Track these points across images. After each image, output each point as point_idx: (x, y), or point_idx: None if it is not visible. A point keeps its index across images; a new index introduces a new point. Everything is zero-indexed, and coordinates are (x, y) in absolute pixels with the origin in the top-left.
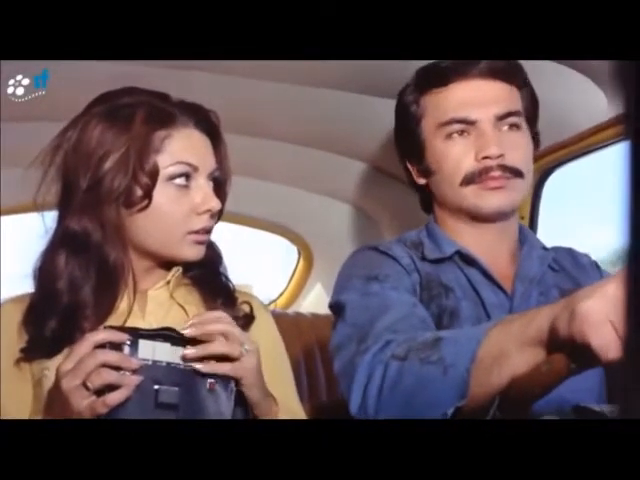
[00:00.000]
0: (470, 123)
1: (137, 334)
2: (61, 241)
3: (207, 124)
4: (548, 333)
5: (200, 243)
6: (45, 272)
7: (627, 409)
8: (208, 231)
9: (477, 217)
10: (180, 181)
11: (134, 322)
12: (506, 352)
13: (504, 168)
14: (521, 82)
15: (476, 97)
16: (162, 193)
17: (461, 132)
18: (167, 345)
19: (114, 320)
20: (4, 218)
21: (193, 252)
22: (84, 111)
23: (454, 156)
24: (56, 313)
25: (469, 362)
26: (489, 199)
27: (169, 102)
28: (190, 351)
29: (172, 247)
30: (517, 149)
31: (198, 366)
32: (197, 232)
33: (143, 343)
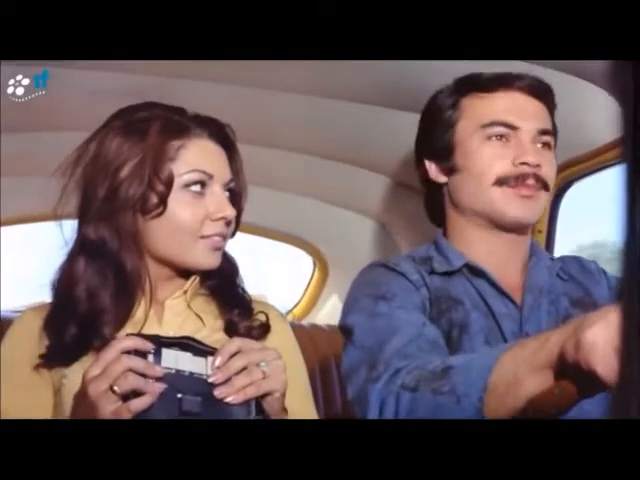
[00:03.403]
0: (513, 128)
1: (159, 342)
2: (80, 249)
3: (222, 137)
4: (557, 358)
5: (215, 249)
6: (64, 279)
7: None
8: (222, 237)
9: (497, 223)
10: (195, 188)
11: (151, 330)
12: (519, 378)
13: (538, 178)
14: (551, 104)
15: (520, 108)
16: (177, 200)
17: (500, 137)
18: (189, 355)
19: (131, 327)
20: (25, 226)
21: (208, 259)
22: (104, 125)
23: (489, 156)
24: (75, 319)
25: (482, 390)
26: (516, 206)
27: (185, 116)
28: (215, 377)
29: (186, 253)
30: (548, 165)
31: (229, 399)
32: (210, 237)
33: (166, 352)
